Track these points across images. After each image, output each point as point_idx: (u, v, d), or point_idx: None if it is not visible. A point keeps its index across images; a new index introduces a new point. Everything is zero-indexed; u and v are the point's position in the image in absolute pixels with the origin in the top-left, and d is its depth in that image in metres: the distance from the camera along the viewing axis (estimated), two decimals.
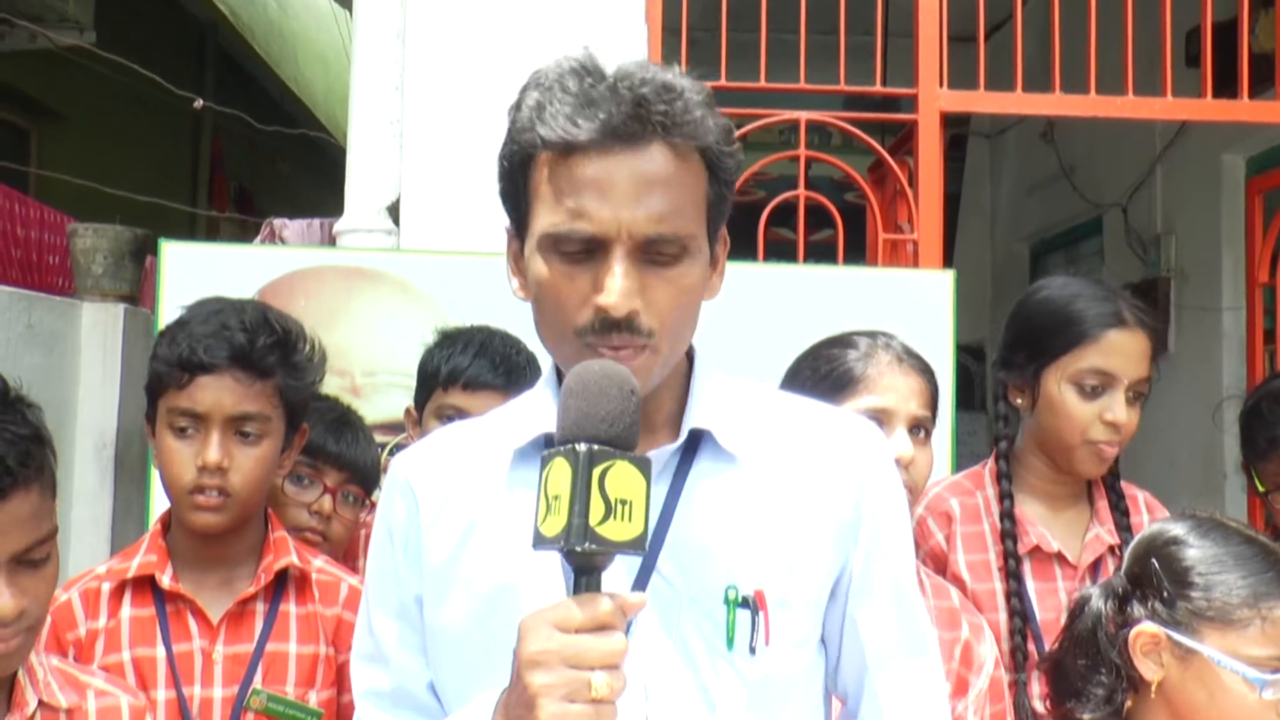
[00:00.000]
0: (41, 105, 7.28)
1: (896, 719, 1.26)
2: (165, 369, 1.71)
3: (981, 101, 3.46)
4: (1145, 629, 1.59)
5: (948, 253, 3.38)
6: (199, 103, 6.42)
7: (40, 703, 1.49)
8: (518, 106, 1.18)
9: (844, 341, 1.82)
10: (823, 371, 1.78)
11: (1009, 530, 1.96)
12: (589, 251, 1.13)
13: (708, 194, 1.19)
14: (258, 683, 1.70)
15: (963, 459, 2.86)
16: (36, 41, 6.27)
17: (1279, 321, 4.49)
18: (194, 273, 2.71)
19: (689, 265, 1.17)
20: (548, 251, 1.16)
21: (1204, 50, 3.41)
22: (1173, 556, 1.63)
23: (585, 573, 1.04)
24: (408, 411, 2.28)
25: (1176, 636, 1.58)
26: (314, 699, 1.73)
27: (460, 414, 2.06)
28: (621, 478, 1.03)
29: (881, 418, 1.70)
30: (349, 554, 2.29)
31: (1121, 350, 1.94)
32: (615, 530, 1.02)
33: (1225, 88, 3.44)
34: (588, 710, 1.00)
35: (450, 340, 2.19)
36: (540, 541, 1.05)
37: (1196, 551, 1.62)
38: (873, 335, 1.83)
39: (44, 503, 1.42)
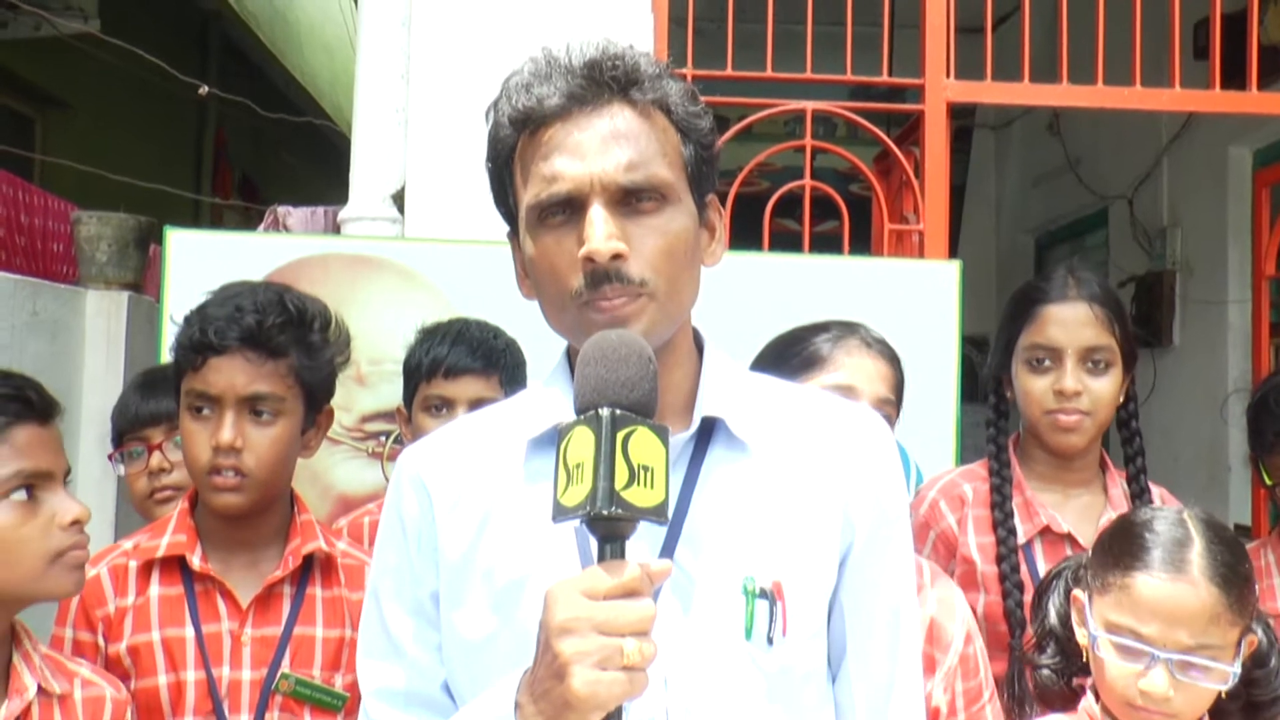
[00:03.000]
0: (46, 93, 7.28)
1: (867, 704, 1.26)
2: (181, 353, 1.74)
3: (988, 92, 3.45)
4: (1075, 594, 1.69)
5: (952, 244, 3.37)
6: (204, 89, 6.42)
7: (38, 688, 1.50)
8: (492, 110, 1.23)
9: (815, 328, 1.84)
10: (790, 353, 1.80)
11: (1001, 520, 1.99)
12: (570, 214, 1.16)
13: (683, 153, 1.21)
14: (286, 666, 1.71)
15: (966, 451, 2.86)
16: (41, 29, 6.27)
17: None
18: (199, 261, 2.70)
19: (672, 214, 1.18)
20: (535, 227, 1.19)
21: (1212, 42, 3.39)
22: (1108, 531, 1.72)
23: (610, 541, 1.02)
24: (399, 410, 2.29)
25: (1083, 600, 1.67)
26: (339, 682, 1.74)
27: (445, 402, 2.12)
28: (643, 443, 1.02)
29: (846, 396, 1.70)
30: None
31: (1058, 321, 2.00)
32: (639, 496, 1.00)
33: (1233, 79, 3.43)
34: (621, 677, 0.98)
35: (429, 334, 2.24)
36: (561, 513, 1.03)
37: (1116, 524, 1.71)
38: (844, 323, 1.85)
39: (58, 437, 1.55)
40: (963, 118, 6.69)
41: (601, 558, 1.02)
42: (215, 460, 1.70)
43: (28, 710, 1.48)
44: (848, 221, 3.21)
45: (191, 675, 1.69)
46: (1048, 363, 2.00)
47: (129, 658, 1.69)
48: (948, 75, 3.27)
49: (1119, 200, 5.75)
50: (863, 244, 3.54)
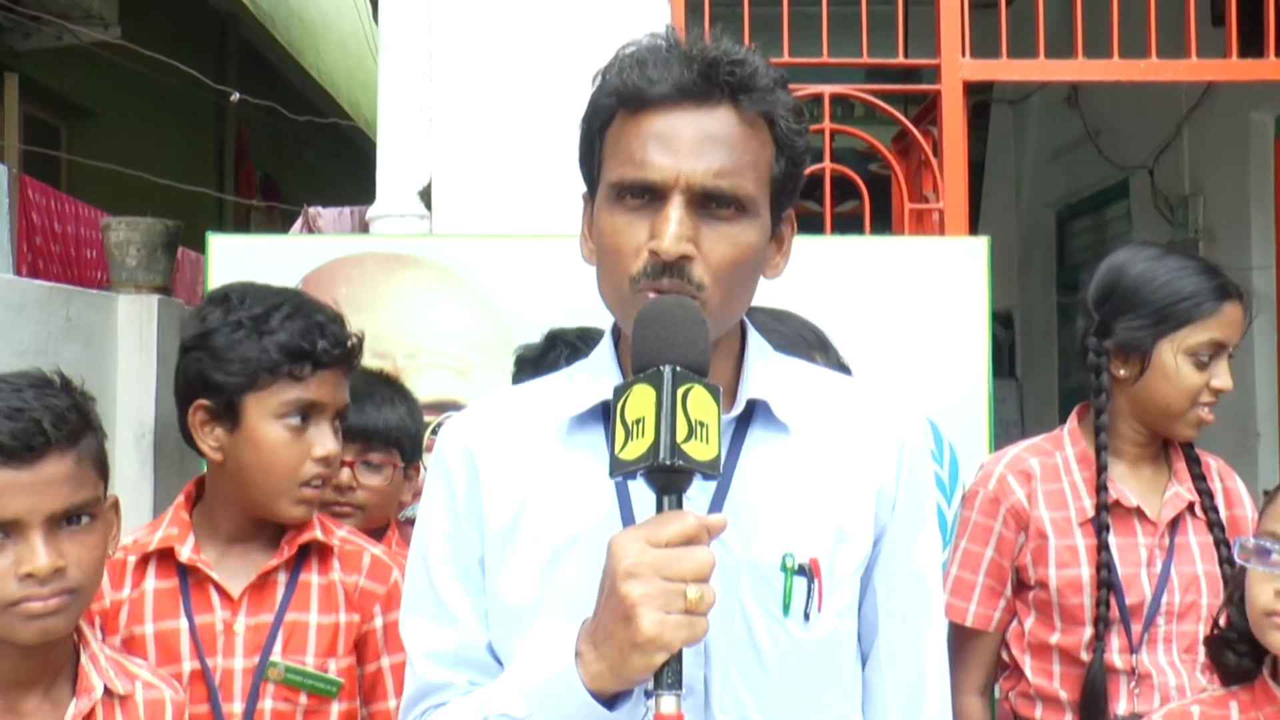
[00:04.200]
0: (70, 102, 7.36)
1: (898, 685, 1.30)
2: (281, 358, 1.71)
3: (1004, 70, 3.46)
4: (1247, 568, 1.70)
5: (973, 220, 3.38)
6: (236, 96, 6.48)
7: (104, 689, 1.53)
8: (600, 75, 1.24)
9: None
10: None
11: (1104, 501, 2.01)
12: (649, 202, 1.18)
13: (773, 167, 1.22)
14: (277, 653, 1.71)
15: (997, 426, 2.89)
16: (63, 39, 6.35)
17: None
18: (240, 264, 2.75)
19: (746, 226, 1.19)
20: (612, 202, 1.20)
21: (1229, 8, 3.39)
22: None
23: (668, 493, 1.06)
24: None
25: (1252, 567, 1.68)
26: (334, 668, 1.74)
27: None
28: (699, 401, 1.06)
29: None
30: (378, 518, 2.27)
31: (1233, 321, 2.03)
32: (696, 450, 1.05)
33: (1251, 46, 3.42)
34: (684, 620, 1.03)
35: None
36: (620, 468, 1.06)
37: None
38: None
39: (81, 470, 1.48)
40: (980, 93, 6.67)
41: (660, 510, 1.07)
42: (320, 471, 1.74)
43: (93, 710, 1.51)
44: (868, 202, 3.23)
45: (186, 666, 1.69)
46: (1211, 358, 2.02)
47: (123, 651, 1.69)
48: (963, 54, 3.28)
49: (1140, 170, 5.73)
50: (883, 223, 3.56)
